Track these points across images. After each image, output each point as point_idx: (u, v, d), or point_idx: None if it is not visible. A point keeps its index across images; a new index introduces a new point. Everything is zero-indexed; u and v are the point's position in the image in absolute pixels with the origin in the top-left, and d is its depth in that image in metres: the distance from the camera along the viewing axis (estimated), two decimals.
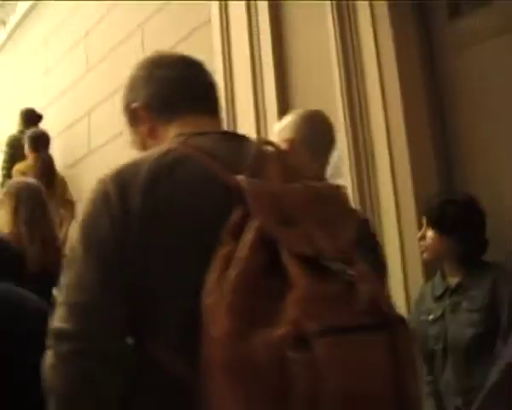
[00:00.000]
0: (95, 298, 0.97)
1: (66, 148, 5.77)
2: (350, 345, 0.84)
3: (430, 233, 2.39)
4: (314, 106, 3.18)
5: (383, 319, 0.90)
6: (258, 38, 3.51)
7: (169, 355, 0.94)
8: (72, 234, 1.04)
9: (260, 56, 3.49)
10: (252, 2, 3.55)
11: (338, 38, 3.07)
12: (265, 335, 0.82)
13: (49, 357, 0.96)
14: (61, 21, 5.96)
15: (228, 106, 3.62)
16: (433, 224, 2.39)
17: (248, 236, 0.91)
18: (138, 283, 0.98)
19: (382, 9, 2.94)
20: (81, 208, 1.06)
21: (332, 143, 1.97)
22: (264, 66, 3.46)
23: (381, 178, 2.87)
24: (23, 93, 6.65)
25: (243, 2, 3.58)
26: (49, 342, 0.98)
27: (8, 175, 5.16)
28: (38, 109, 6.17)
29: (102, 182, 1.04)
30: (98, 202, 1.02)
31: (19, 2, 6.69)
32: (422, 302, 2.42)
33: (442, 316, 2.29)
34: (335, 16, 3.08)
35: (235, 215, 0.94)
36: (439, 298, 2.34)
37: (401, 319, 0.94)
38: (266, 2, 3.45)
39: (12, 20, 7.04)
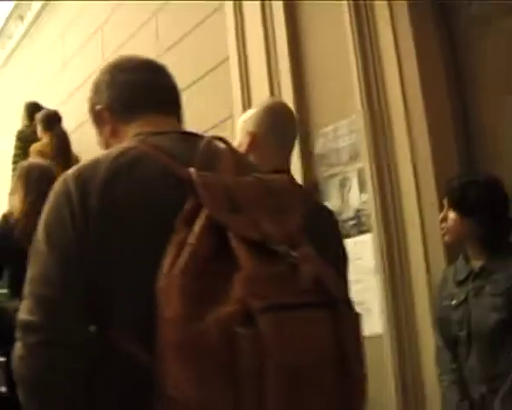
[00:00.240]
0: (57, 292, 1.02)
1: (82, 143, 5.78)
2: (293, 321, 0.91)
3: (451, 215, 2.32)
4: (332, 106, 3.16)
5: (326, 297, 0.96)
6: (274, 37, 3.44)
7: (130, 343, 0.99)
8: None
9: (276, 57, 3.43)
10: (267, 2, 3.48)
11: (356, 38, 3.00)
12: (215, 314, 0.88)
13: (17, 349, 1.02)
14: (75, 16, 5.97)
15: (244, 102, 3.57)
16: (454, 205, 2.32)
17: (199, 223, 0.97)
18: (99, 276, 1.03)
19: (401, 8, 2.86)
20: (45, 205, 1.12)
21: (294, 134, 1.99)
22: (280, 66, 3.40)
23: (401, 160, 2.79)
24: (40, 88, 6.68)
25: (258, 1, 3.51)
26: (18, 334, 1.03)
27: None
28: (55, 104, 6.19)
29: (64, 181, 1.10)
30: (61, 200, 1.08)
31: None
32: (445, 287, 2.36)
33: (465, 301, 2.21)
34: (353, 16, 3.01)
35: (188, 205, 1.00)
36: (461, 282, 2.26)
37: (344, 299, 1.01)
38: (281, 1, 3.38)
39: (29, 16, 7.07)
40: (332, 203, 3.06)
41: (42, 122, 5.23)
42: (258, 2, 3.52)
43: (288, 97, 3.29)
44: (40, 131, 5.16)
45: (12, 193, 3.16)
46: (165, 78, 1.36)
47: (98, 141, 1.35)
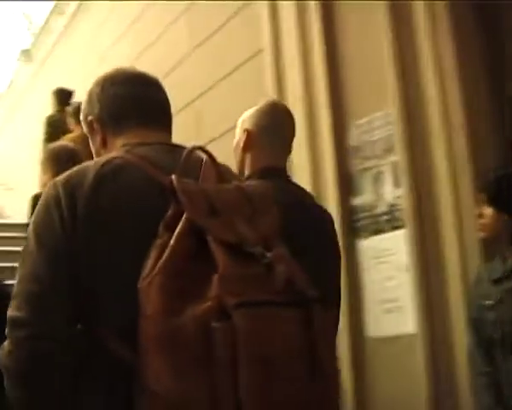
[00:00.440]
0: (45, 288, 1.08)
1: None
2: (264, 317, 0.97)
3: (488, 211, 2.22)
4: (367, 98, 3.07)
5: (297, 297, 1.01)
6: (308, 29, 3.37)
7: (115, 341, 1.04)
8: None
9: (311, 49, 3.36)
10: (302, 2, 3.41)
11: (392, 29, 2.92)
12: (193, 310, 0.94)
13: (7, 344, 1.07)
14: (112, 8, 6.00)
15: (277, 94, 3.51)
16: (490, 200, 2.21)
17: (180, 227, 1.03)
18: (86, 277, 1.09)
19: (440, 9, 2.76)
20: (36, 208, 1.18)
21: (291, 133, 2.01)
22: (315, 58, 3.33)
23: (436, 153, 2.70)
24: (78, 81, 6.75)
25: (293, 2, 3.45)
26: (7, 330, 1.08)
27: None
28: None
29: (54, 186, 1.16)
30: (51, 204, 1.14)
31: None
32: (480, 286, 2.25)
33: (500, 301, 2.12)
34: (390, 16, 2.92)
35: (170, 211, 1.06)
36: (497, 281, 2.16)
37: (316, 298, 1.04)
38: (317, 1, 3.30)
39: (68, 12, 7.15)
40: (365, 197, 2.99)
41: (74, 115, 5.26)
42: (293, 2, 3.46)
43: (322, 88, 3.23)
44: (72, 123, 5.20)
45: (43, 173, 3.22)
46: (157, 91, 1.40)
47: (92, 149, 1.40)
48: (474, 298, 2.26)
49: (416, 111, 2.78)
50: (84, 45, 6.84)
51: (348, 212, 3.06)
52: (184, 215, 1.04)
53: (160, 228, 1.05)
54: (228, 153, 3.91)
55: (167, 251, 1.00)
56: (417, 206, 2.72)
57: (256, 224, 1.10)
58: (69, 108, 5.38)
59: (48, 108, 6.73)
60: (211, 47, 4.41)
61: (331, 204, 3.09)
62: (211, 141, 4.22)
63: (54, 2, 7.51)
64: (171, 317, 0.95)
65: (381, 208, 2.91)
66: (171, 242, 1.01)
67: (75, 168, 1.19)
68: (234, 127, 3.89)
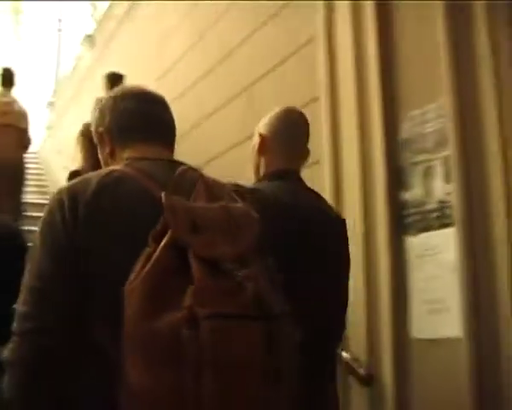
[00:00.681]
0: (46, 284, 1.19)
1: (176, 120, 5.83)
2: (230, 328, 1.07)
3: None
4: (420, 88, 2.93)
5: (263, 312, 1.11)
6: (362, 18, 3.26)
7: (106, 340, 1.14)
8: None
9: (364, 39, 3.24)
10: (358, 3, 3.29)
11: (446, 20, 2.77)
12: (168, 316, 1.06)
13: (13, 337, 1.17)
14: None
15: (329, 84, 3.42)
16: None
17: (164, 241, 1.14)
18: (83, 276, 1.19)
19: (500, 10, 2.61)
20: (44, 210, 1.30)
21: (303, 139, 2.11)
22: (368, 48, 3.21)
23: (490, 149, 2.56)
24: (138, 66, 6.82)
25: (349, 10, 3.34)
26: (15, 324, 1.18)
27: None
28: (153, 80, 6.29)
29: (60, 192, 1.29)
30: (55, 208, 1.25)
31: None
32: None
33: None
34: (446, 6, 2.77)
35: (159, 225, 1.16)
36: None
37: (281, 314, 1.15)
38: (373, 2, 3.18)
39: None
40: (414, 192, 2.87)
41: (108, 84, 5.33)
42: (349, 1, 3.35)
43: (374, 79, 3.12)
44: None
45: (77, 151, 3.30)
46: (163, 109, 1.54)
47: (100, 158, 1.52)
48: None
49: (469, 103, 2.64)
50: (143, 31, 6.89)
51: (397, 207, 2.95)
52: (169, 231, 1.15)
53: (150, 239, 1.15)
54: None
55: (151, 262, 1.11)
56: (468, 203, 2.59)
57: (235, 242, 1.20)
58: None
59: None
60: (262, 36, 4.35)
61: (379, 198, 2.99)
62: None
63: None
64: (147, 321, 1.06)
65: (431, 205, 2.78)
66: (156, 254, 1.12)
67: (79, 178, 1.33)
68: None
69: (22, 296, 1.20)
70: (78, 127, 4.80)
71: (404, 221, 2.91)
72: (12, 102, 5.67)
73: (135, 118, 1.47)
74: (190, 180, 1.32)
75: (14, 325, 1.18)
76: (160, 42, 6.35)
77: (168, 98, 5.10)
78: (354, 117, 3.19)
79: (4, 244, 1.91)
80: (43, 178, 10.61)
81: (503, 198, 2.46)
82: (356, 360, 2.93)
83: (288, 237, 1.75)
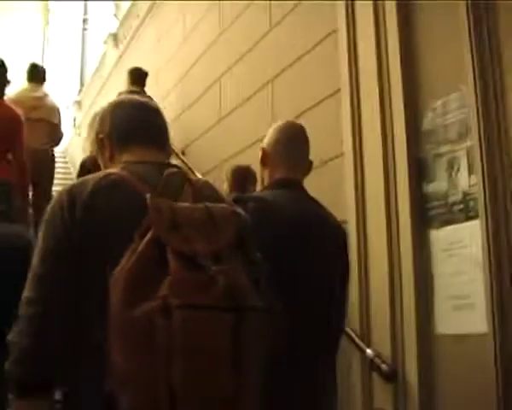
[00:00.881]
0: (49, 272, 1.34)
1: (197, 114, 5.82)
2: (200, 317, 1.19)
3: None
4: (442, 78, 2.86)
5: (234, 304, 1.22)
6: (383, 8, 3.18)
7: (97, 327, 1.25)
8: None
9: (385, 29, 3.18)
10: (379, 2, 3.22)
11: (469, 7, 2.69)
12: (145, 306, 1.17)
13: (19, 321, 1.31)
14: None
15: (351, 75, 3.37)
16: None
17: (147, 237, 1.26)
18: (81, 272, 1.33)
19: None
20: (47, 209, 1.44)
21: (303, 150, 2.22)
22: (389, 37, 3.15)
23: None
24: (162, 62, 6.82)
25: (370, 2, 3.27)
26: (20, 309, 1.32)
27: None
28: (177, 76, 6.29)
29: (61, 193, 1.43)
30: (56, 207, 1.40)
31: None
32: None
33: None
34: (470, 6, 2.69)
35: (145, 222, 1.29)
36: None
37: (251, 306, 1.26)
38: (394, 1, 3.11)
39: None
40: (438, 185, 2.80)
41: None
42: (370, 2, 3.28)
43: (396, 69, 3.06)
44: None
45: (86, 138, 3.41)
46: (156, 116, 1.67)
47: (100, 162, 1.66)
48: None
49: (492, 92, 2.56)
50: (166, 28, 6.89)
51: (419, 200, 2.89)
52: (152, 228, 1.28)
53: (136, 236, 1.28)
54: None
55: (134, 256, 1.24)
56: (493, 195, 2.52)
57: (212, 239, 1.31)
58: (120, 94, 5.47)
59: None
60: (284, 30, 4.30)
61: (402, 191, 2.93)
62: None
63: None
64: (128, 309, 1.19)
65: (455, 197, 2.71)
66: (139, 249, 1.25)
67: (79, 180, 1.47)
68: (308, 108, 3.81)
69: (28, 284, 1.34)
70: None
71: (427, 214, 2.85)
72: (43, 97, 5.70)
73: (131, 125, 1.61)
74: (178, 182, 1.46)
75: (21, 311, 1.31)
76: (181, 39, 6.35)
77: (192, 94, 5.15)
78: (376, 109, 3.13)
79: (19, 255, 2.02)
80: (70, 177, 10.71)
81: None
82: (379, 356, 2.88)
83: (290, 241, 1.93)
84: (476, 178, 2.61)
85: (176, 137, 6.20)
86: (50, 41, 15.64)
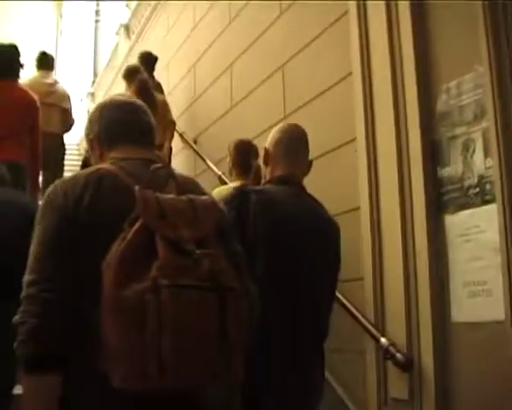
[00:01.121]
0: (48, 255, 1.44)
1: (208, 101, 5.76)
2: (186, 295, 1.31)
3: None
4: (456, 58, 2.76)
5: (216, 284, 1.35)
6: (398, 11, 3.08)
7: (92, 310, 1.34)
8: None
9: (397, 10, 3.08)
10: (392, 2, 3.12)
11: (488, 21, 2.58)
12: (136, 286, 1.29)
13: (24, 302, 1.39)
14: None
15: (363, 57, 3.30)
16: None
17: (136, 225, 1.38)
18: (73, 246, 1.43)
19: None
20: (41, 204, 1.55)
21: (303, 150, 2.36)
22: (401, 17, 3.05)
23: None
24: (174, 52, 6.77)
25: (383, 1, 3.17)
26: (23, 291, 1.40)
27: None
28: (187, 67, 6.24)
29: (55, 186, 1.54)
30: (51, 197, 1.52)
31: None
32: None
33: None
34: (488, 18, 2.59)
35: (134, 212, 1.40)
36: None
37: (233, 287, 1.38)
38: (408, 1, 3.01)
39: None
40: (453, 168, 2.72)
41: (125, 79, 5.36)
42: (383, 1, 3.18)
43: (408, 51, 2.97)
44: (128, 88, 5.25)
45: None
46: (142, 115, 1.76)
47: (92, 161, 1.76)
48: None
49: (508, 71, 2.47)
50: (176, 17, 6.84)
51: (434, 184, 2.81)
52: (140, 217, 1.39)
53: (126, 225, 1.38)
54: (315, 117, 3.74)
55: (124, 242, 1.35)
56: (510, 178, 2.43)
57: (195, 227, 1.43)
58: (122, 76, 5.52)
59: None
60: (294, 14, 4.22)
61: (416, 174, 2.85)
62: (297, 109, 4.07)
63: None
64: (119, 289, 1.29)
65: (470, 181, 2.63)
66: (128, 236, 1.36)
67: (72, 174, 1.59)
68: (320, 93, 3.74)
69: (27, 268, 1.43)
70: None
71: (442, 199, 2.77)
72: (54, 83, 5.82)
73: (118, 125, 1.71)
74: (163, 176, 1.56)
75: (23, 293, 1.40)
76: (191, 28, 6.29)
77: (203, 82, 5.11)
78: (389, 92, 3.05)
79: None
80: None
81: None
82: (394, 345, 2.81)
83: (290, 234, 2.07)
84: (492, 161, 2.52)
85: (187, 127, 6.17)
86: (63, 33, 15.66)
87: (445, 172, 2.76)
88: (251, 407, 1.80)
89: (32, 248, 1.46)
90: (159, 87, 5.75)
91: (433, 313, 2.69)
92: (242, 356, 1.40)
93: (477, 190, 2.59)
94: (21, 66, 4.29)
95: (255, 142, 4.50)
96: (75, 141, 10.15)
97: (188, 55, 6.35)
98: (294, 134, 2.36)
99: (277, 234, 2.05)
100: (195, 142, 5.90)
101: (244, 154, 3.61)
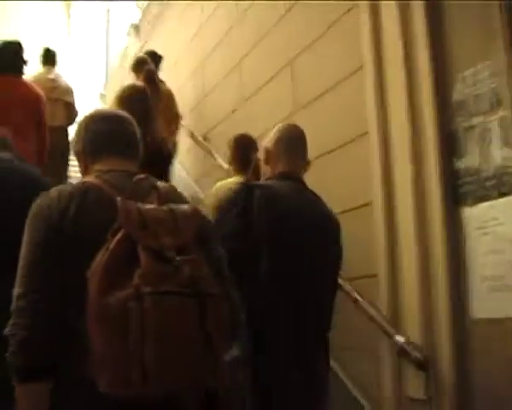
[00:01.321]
0: (35, 269, 1.48)
1: (217, 100, 5.70)
2: (167, 302, 1.35)
3: None
4: (471, 46, 2.67)
5: (196, 290, 1.40)
6: (410, 6, 2.99)
7: (77, 319, 1.37)
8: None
9: (412, 19, 2.99)
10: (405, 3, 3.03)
11: (503, 8, 2.50)
12: (120, 294, 1.33)
13: (13, 315, 1.43)
14: None
15: (374, 50, 3.20)
16: None
17: (119, 235, 1.43)
18: (59, 256, 1.47)
19: None
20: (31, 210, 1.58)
21: (302, 149, 2.45)
22: (414, 5, 2.96)
23: None
24: (183, 50, 6.73)
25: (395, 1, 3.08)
26: (13, 304, 1.45)
27: None
28: (194, 66, 6.19)
29: (43, 197, 1.58)
30: (37, 209, 1.56)
31: None
32: None
33: None
34: (504, 5, 2.51)
35: (116, 223, 1.45)
36: None
37: (212, 293, 1.43)
38: (422, 1, 2.91)
39: None
40: (470, 159, 2.63)
41: (133, 70, 5.36)
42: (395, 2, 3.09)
43: (422, 39, 2.88)
44: (136, 79, 5.22)
45: None
46: (126, 127, 1.80)
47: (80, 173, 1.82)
48: None
49: None
50: (185, 16, 6.80)
51: (450, 176, 2.72)
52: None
53: (109, 235, 1.43)
54: (325, 112, 3.65)
55: (107, 253, 1.40)
56: None
57: (175, 235, 1.48)
58: (130, 68, 5.51)
59: None
60: (302, 8, 4.14)
61: (431, 167, 2.77)
62: (307, 104, 3.99)
63: None
64: (103, 297, 1.33)
65: (488, 172, 2.54)
66: (111, 246, 1.41)
67: (57, 188, 1.61)
68: (330, 88, 3.66)
69: (16, 283, 1.47)
70: None
71: (459, 191, 2.68)
72: (58, 78, 5.89)
73: (103, 136, 1.74)
74: (146, 187, 1.63)
75: (12, 307, 1.44)
76: (199, 25, 6.25)
77: (212, 80, 5.05)
78: (401, 82, 2.96)
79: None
80: None
81: None
82: (410, 342, 2.73)
83: (294, 228, 2.14)
84: (510, 151, 2.43)
85: (197, 124, 6.13)
86: (74, 34, 15.68)
87: (462, 163, 2.67)
88: (259, 405, 1.85)
89: (20, 260, 1.50)
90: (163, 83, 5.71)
91: (451, 308, 2.61)
92: (224, 361, 1.45)
93: (494, 181, 2.50)
94: (25, 62, 4.31)
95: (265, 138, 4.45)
96: None
97: (196, 53, 6.30)
98: (294, 134, 2.45)
99: (280, 230, 2.10)
100: (205, 138, 5.85)
101: (244, 148, 3.58)
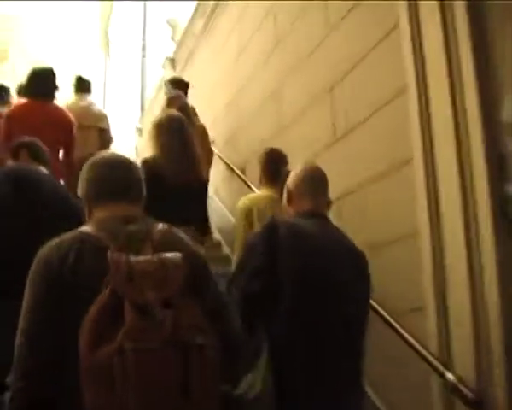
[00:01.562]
0: (33, 329, 1.58)
1: (261, 124, 5.62)
2: (150, 357, 1.43)
3: None
4: None
5: (179, 342, 1.47)
6: (454, 15, 2.87)
7: (74, 375, 1.45)
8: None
9: (453, 16, 2.87)
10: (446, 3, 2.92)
11: None
12: (106, 349, 1.43)
13: (14, 370, 1.55)
14: (246, 6, 5.91)
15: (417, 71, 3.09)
16: None
17: (107, 289, 1.50)
18: (62, 326, 1.54)
19: None
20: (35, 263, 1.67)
21: (326, 187, 2.50)
22: (458, 24, 2.84)
23: None
24: (219, 80, 6.73)
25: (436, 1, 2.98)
26: (14, 361, 1.55)
27: None
28: (234, 92, 6.16)
29: (39, 254, 1.65)
30: (40, 261, 1.64)
31: None
32: None
33: None
34: None
35: (108, 276, 1.51)
36: None
37: (198, 345, 1.49)
38: (464, 1, 2.81)
39: (207, 12, 7.17)
40: None
41: (167, 106, 5.31)
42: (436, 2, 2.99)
43: (468, 58, 2.75)
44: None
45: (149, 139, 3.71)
46: (127, 171, 1.84)
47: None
48: None
49: None
50: (221, 45, 6.80)
51: (502, 202, 2.56)
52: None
53: (102, 287, 1.50)
54: (367, 138, 3.53)
55: (96, 306, 1.47)
56: None
57: (162, 288, 1.51)
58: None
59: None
60: (347, 27, 4.05)
61: (480, 192, 2.61)
62: (348, 132, 3.88)
63: (195, 5, 7.56)
64: (91, 352, 1.43)
65: None
66: (100, 299, 1.48)
67: (58, 237, 1.68)
68: (372, 113, 3.54)
69: (16, 340, 1.57)
70: None
71: (510, 218, 2.52)
72: (90, 105, 5.94)
73: (104, 182, 1.79)
74: (141, 234, 1.67)
75: (14, 361, 1.54)
76: (236, 54, 6.23)
77: (248, 109, 4.99)
78: (447, 104, 2.83)
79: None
80: None
81: None
82: (462, 380, 2.55)
83: (317, 271, 2.15)
84: None
85: (234, 156, 6.06)
86: (111, 70, 15.95)
87: None
88: None
89: (20, 321, 1.58)
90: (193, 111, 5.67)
91: (506, 342, 2.43)
92: (214, 404, 1.53)
93: None
94: (57, 87, 4.51)
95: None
96: None
97: (233, 82, 6.28)
98: (315, 174, 2.49)
99: (304, 267, 2.12)
100: (244, 171, 5.74)
101: (274, 162, 3.64)
